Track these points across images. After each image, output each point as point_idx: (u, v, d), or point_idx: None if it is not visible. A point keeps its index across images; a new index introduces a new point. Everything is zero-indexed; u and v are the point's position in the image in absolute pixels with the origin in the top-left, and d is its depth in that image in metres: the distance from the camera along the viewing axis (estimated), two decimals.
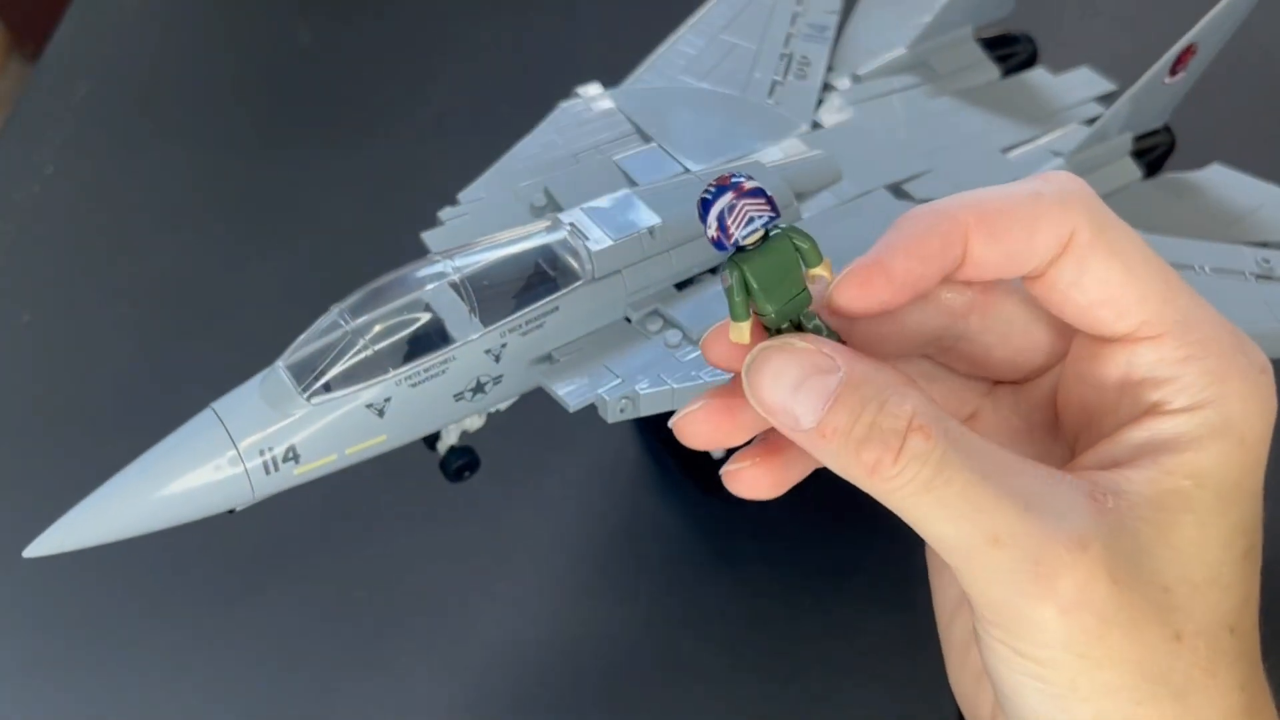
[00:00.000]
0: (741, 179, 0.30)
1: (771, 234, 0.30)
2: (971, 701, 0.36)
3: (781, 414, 0.30)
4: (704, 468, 0.62)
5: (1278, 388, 0.32)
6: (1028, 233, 0.31)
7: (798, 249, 0.30)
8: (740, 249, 0.30)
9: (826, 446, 0.30)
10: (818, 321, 0.31)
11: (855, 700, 0.56)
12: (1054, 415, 0.35)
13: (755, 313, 0.31)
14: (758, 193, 0.30)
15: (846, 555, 0.61)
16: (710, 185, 0.30)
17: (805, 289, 0.31)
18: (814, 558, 0.61)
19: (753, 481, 0.33)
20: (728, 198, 0.30)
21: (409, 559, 0.60)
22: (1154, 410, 0.31)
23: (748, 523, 0.62)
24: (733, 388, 0.32)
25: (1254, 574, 0.31)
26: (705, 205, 0.30)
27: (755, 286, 0.30)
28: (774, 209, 0.30)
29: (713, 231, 0.30)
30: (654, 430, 0.63)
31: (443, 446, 0.48)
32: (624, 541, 0.61)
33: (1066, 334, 0.34)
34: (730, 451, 0.60)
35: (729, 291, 0.31)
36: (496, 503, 0.61)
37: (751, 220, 0.30)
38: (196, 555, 0.59)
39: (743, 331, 0.31)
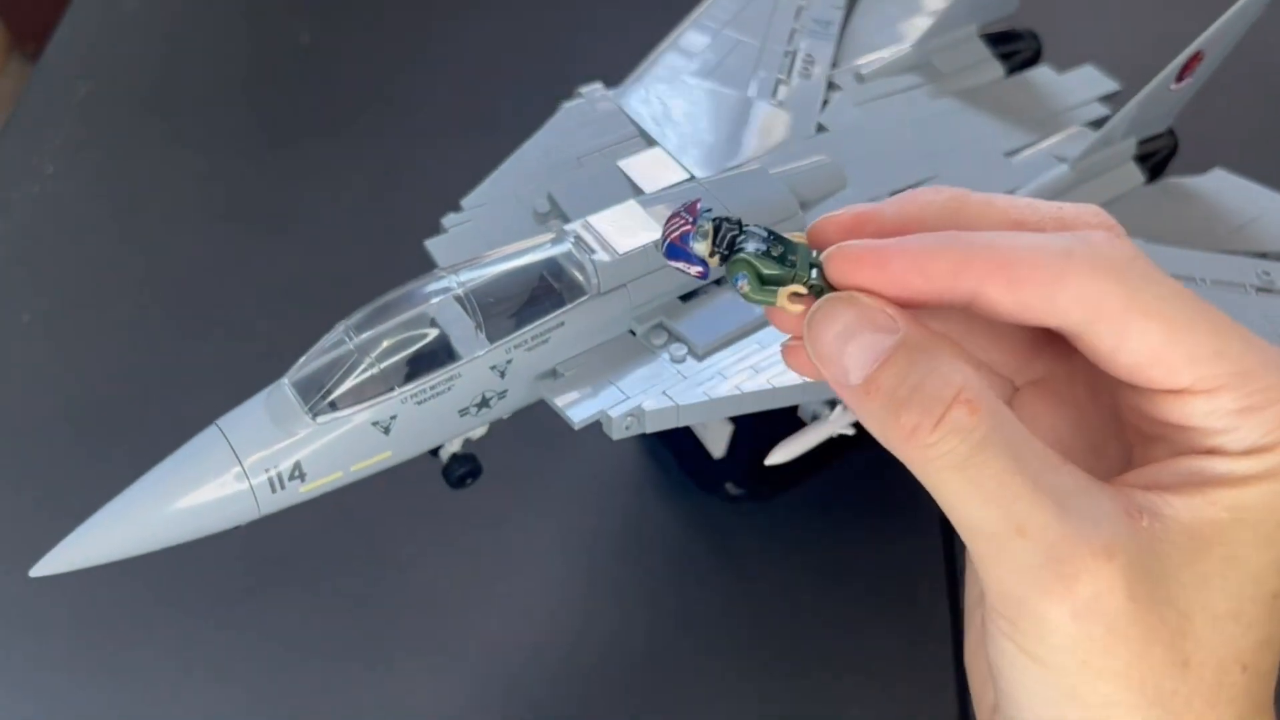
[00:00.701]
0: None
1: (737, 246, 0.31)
2: (980, 690, 0.36)
3: (834, 365, 0.30)
4: (704, 468, 0.62)
5: None
6: (1048, 293, 0.30)
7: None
8: (725, 258, 0.31)
9: (870, 404, 0.30)
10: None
11: (855, 699, 0.57)
12: (1117, 411, 0.34)
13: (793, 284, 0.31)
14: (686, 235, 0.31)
15: (846, 555, 0.61)
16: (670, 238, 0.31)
17: (801, 242, 0.31)
18: (814, 558, 0.61)
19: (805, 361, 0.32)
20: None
21: (410, 560, 0.60)
22: (1210, 452, 0.31)
23: (748, 523, 0.62)
24: None
25: None
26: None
27: (765, 272, 0.31)
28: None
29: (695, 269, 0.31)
30: (656, 433, 0.63)
31: (445, 454, 0.48)
32: (624, 541, 0.61)
33: None
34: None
35: (748, 294, 0.31)
36: (498, 503, 0.61)
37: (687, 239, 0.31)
38: (198, 557, 0.58)
39: (786, 303, 0.31)
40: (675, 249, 0.31)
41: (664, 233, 0.31)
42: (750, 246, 0.30)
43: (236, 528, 0.42)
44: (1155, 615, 0.29)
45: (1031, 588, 0.29)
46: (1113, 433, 0.34)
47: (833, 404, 0.51)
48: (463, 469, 0.49)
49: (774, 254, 0.30)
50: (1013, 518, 0.29)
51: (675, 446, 0.63)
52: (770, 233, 0.31)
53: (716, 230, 0.31)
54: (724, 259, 0.31)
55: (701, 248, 0.31)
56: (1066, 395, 0.35)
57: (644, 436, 0.64)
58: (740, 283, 0.31)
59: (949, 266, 0.30)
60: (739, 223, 0.31)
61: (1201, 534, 0.30)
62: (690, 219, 0.31)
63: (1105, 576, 0.28)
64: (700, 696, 0.56)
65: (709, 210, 0.31)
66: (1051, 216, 0.32)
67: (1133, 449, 0.34)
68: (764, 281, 0.30)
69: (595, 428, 0.46)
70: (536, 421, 0.50)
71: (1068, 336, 0.31)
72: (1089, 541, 0.29)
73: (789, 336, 0.32)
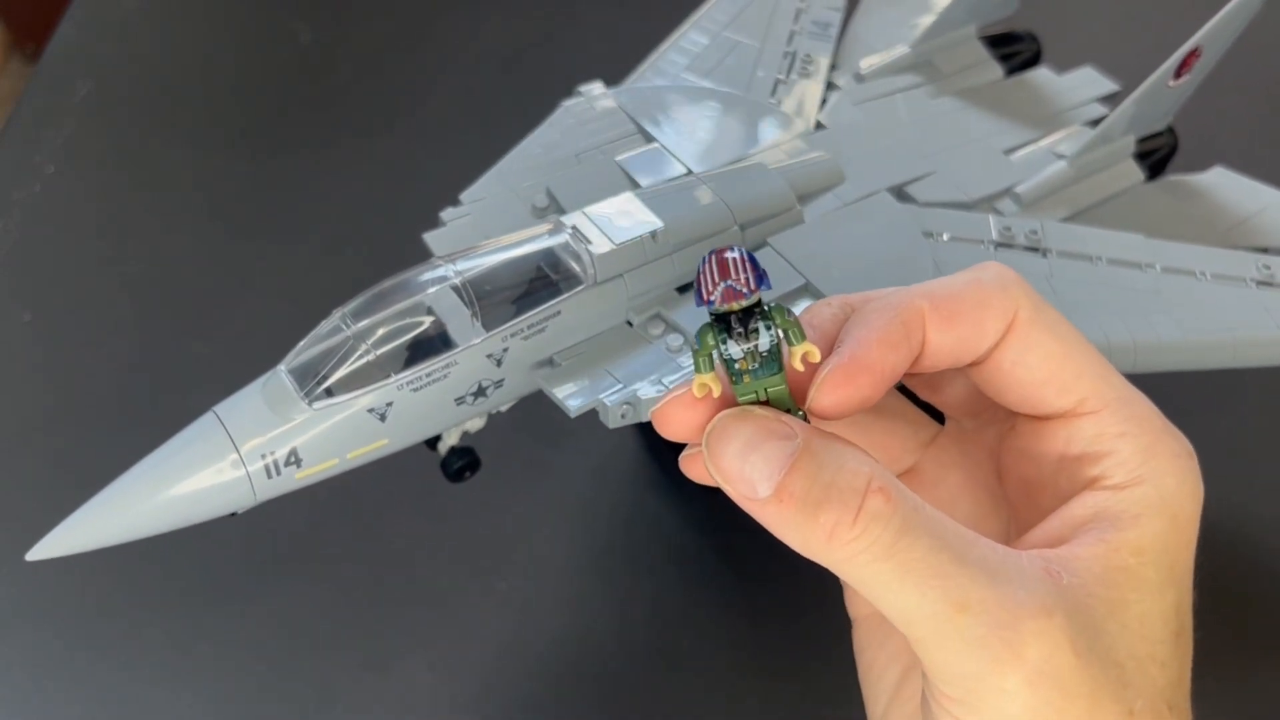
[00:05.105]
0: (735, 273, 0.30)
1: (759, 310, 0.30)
2: None
3: (740, 480, 0.30)
4: None
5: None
6: (977, 316, 0.32)
7: (782, 327, 0.30)
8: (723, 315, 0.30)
9: (784, 512, 0.29)
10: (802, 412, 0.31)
11: (856, 699, 0.56)
12: (996, 477, 0.35)
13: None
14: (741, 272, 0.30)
15: None
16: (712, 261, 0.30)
17: (781, 369, 0.30)
18: None
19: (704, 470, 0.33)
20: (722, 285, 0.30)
21: (409, 557, 0.60)
22: (1093, 484, 0.32)
23: (748, 521, 0.62)
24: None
25: (1186, 654, 0.32)
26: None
27: (734, 363, 0.30)
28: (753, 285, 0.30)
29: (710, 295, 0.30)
30: (654, 429, 0.63)
31: (444, 447, 0.48)
32: (624, 540, 0.61)
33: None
34: None
35: (696, 353, 0.30)
36: (497, 501, 0.61)
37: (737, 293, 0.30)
38: (195, 553, 0.59)
39: (705, 385, 0.31)
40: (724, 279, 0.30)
41: (740, 274, 0.30)
42: (764, 341, 0.30)
43: (232, 514, 0.42)
44: (1098, 669, 0.29)
45: (982, 661, 0.29)
46: (989, 507, 0.36)
47: None
48: (461, 461, 0.49)
49: (759, 353, 0.30)
50: (951, 595, 0.29)
51: (675, 445, 0.63)
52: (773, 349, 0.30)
53: (752, 312, 0.30)
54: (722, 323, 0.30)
55: (720, 301, 0.30)
56: (937, 478, 0.37)
57: (642, 433, 0.64)
58: (698, 343, 0.30)
59: (903, 328, 0.31)
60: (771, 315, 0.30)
61: (1114, 582, 0.30)
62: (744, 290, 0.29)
63: (1051, 636, 0.29)
64: (700, 695, 0.56)
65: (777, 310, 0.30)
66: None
67: (1016, 512, 0.35)
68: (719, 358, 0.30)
69: (594, 422, 0.45)
70: (535, 416, 0.50)
71: (972, 374, 0.33)
72: (1026, 605, 0.29)
73: (689, 445, 0.33)
